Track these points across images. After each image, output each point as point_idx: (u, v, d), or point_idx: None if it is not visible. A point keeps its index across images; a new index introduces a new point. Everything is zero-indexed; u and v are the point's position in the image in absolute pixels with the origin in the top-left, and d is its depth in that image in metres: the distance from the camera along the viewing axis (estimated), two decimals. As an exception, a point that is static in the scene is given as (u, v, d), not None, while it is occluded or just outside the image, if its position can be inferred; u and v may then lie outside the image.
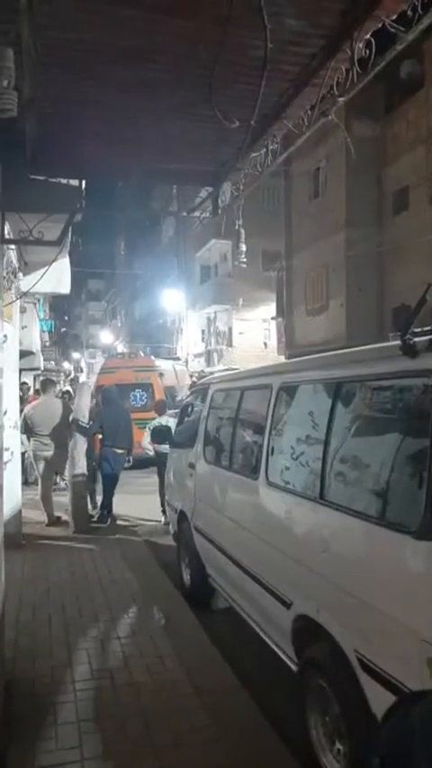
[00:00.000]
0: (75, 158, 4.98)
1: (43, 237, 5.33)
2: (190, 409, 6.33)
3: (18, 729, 3.22)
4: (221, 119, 3.63)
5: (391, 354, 2.50)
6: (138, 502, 9.16)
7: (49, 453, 8.06)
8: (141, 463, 9.56)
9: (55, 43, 3.29)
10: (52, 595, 5.32)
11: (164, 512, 7.79)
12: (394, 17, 3.08)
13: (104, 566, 6.22)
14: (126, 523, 8.33)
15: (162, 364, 16.47)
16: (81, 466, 7.86)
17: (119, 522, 8.26)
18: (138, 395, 14.25)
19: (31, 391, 12.99)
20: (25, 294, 7.23)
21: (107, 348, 47.94)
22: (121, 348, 39.26)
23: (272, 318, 23.88)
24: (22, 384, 10.94)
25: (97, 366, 24.46)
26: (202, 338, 31.17)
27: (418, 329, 2.38)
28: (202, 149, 4.84)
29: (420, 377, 2.34)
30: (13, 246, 6.09)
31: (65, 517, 8.07)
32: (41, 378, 12.42)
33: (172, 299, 31.31)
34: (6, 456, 6.08)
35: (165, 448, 7.43)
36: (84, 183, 5.83)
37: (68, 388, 17.06)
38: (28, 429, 8.00)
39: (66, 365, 48.29)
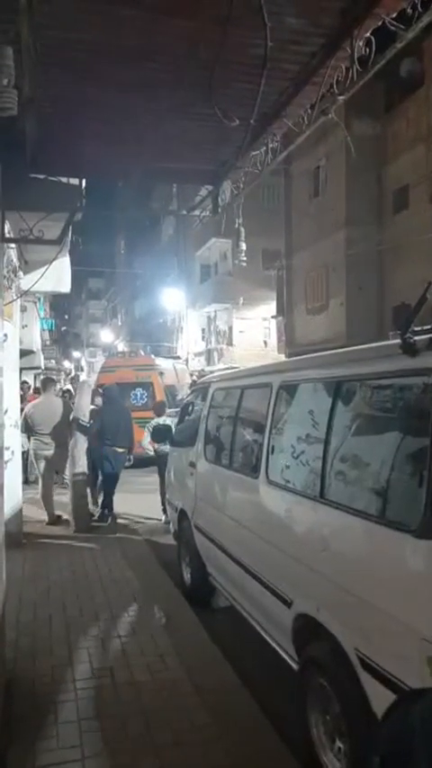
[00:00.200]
0: (75, 158, 4.98)
1: (43, 236, 5.34)
2: (190, 408, 6.33)
3: (18, 728, 3.22)
4: (221, 118, 3.64)
5: (391, 353, 2.50)
6: (138, 501, 9.16)
7: (50, 452, 8.08)
8: (142, 462, 9.56)
9: (55, 43, 3.29)
10: (53, 594, 5.32)
11: (164, 510, 7.78)
12: (394, 15, 3.08)
13: (105, 564, 6.23)
14: (126, 522, 8.34)
15: (162, 363, 16.45)
16: (81, 465, 7.87)
17: (119, 521, 8.26)
18: (138, 394, 14.24)
19: (32, 390, 12.99)
20: (26, 293, 7.23)
21: (107, 347, 47.94)
22: (121, 347, 39.21)
23: (272, 317, 23.86)
24: (23, 383, 10.95)
25: (98, 365, 24.49)
26: (203, 337, 31.17)
27: (419, 328, 2.38)
28: (202, 148, 4.84)
29: (420, 375, 2.34)
30: (13, 245, 6.10)
31: (65, 516, 8.08)
32: (42, 376, 12.39)
33: (172, 298, 31.28)
34: (7, 455, 6.09)
35: (165, 448, 7.44)
36: (84, 182, 5.84)
37: (69, 386, 17.05)
38: (28, 428, 8.02)
39: (66, 364, 48.41)
